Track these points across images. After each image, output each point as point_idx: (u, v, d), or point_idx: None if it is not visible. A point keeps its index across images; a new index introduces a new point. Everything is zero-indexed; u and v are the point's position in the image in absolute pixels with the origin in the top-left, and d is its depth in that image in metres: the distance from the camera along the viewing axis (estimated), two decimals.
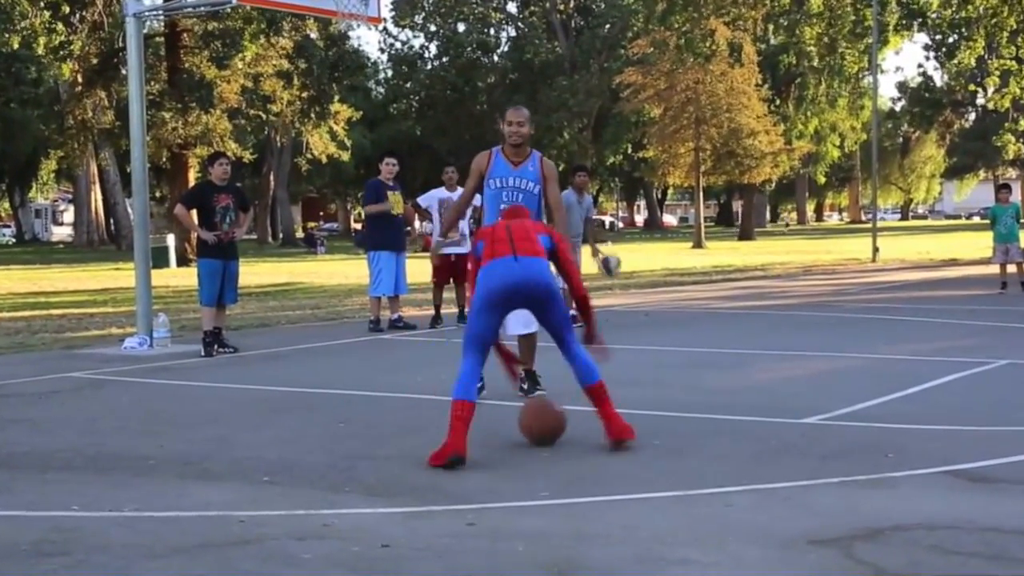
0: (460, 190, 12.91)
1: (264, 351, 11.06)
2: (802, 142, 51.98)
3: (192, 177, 33.28)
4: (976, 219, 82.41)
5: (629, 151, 59.58)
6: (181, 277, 23.55)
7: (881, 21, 41.91)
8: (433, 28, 62.02)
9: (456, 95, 59.35)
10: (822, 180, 77.74)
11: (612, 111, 52.63)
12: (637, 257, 30.64)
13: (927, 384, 8.25)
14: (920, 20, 50.10)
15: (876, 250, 28.53)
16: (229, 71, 33.51)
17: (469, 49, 60.83)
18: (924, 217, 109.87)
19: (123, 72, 29.79)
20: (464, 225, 12.86)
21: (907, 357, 9.91)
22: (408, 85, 62.44)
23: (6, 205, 75.84)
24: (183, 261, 29.66)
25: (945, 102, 64.57)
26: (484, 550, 4.35)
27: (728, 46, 40.82)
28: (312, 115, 37.33)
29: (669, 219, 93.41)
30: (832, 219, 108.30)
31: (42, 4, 30.26)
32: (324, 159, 43.07)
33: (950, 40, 53.16)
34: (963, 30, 46.58)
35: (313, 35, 36.03)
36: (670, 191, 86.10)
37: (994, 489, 5.23)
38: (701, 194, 45.83)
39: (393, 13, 59.45)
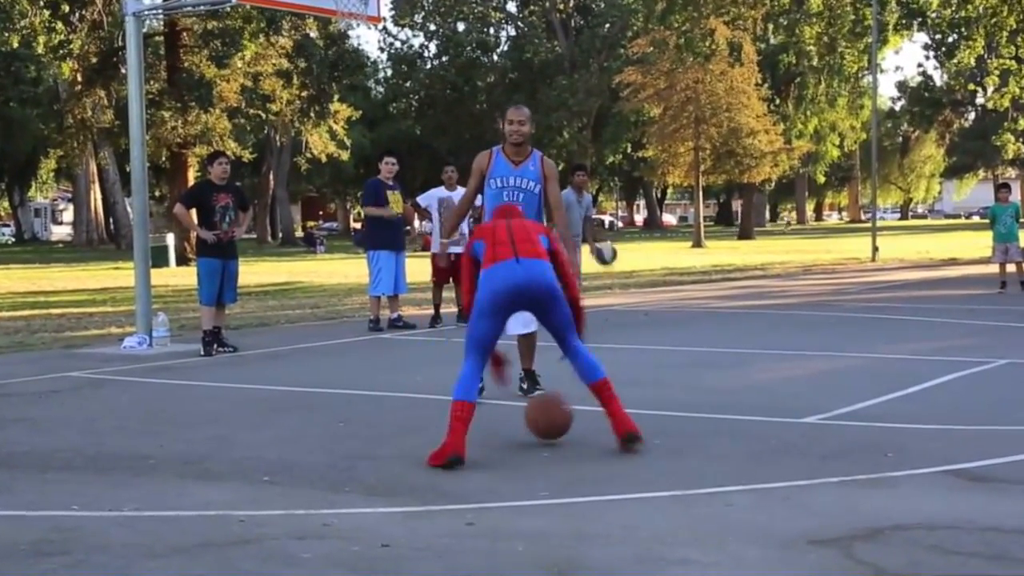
0: (460, 189, 12.96)
1: (264, 350, 11.06)
2: (802, 141, 51.98)
3: (191, 176, 33.27)
4: (976, 218, 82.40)
5: (629, 150, 59.60)
6: (180, 276, 23.55)
7: (881, 20, 41.97)
8: (433, 27, 61.99)
9: (456, 94, 59.35)
10: (822, 179, 77.73)
11: (612, 110, 52.63)
12: (637, 256, 30.65)
13: (927, 383, 8.25)
14: (920, 19, 50.18)
15: (876, 249, 28.54)
16: (229, 70, 33.49)
17: (469, 48, 60.82)
18: (924, 217, 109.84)
19: (122, 71, 29.71)
20: (464, 224, 12.83)
21: (907, 356, 9.91)
22: (408, 84, 62.43)
23: (5, 204, 75.83)
24: (182, 260, 29.66)
25: (945, 101, 64.63)
26: (484, 550, 4.35)
27: (728, 45, 40.84)
28: (312, 114, 37.32)
29: (669, 218, 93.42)
30: (831, 218, 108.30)
31: (42, 3, 30.27)
32: (324, 158, 43.06)
33: (950, 40, 53.25)
34: (963, 30, 46.63)
35: (313, 34, 36.01)
36: (670, 190, 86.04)
37: (994, 489, 5.23)
38: (701, 193, 45.83)
39: (393, 12, 59.42)
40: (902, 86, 77.24)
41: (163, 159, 34.61)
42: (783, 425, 6.73)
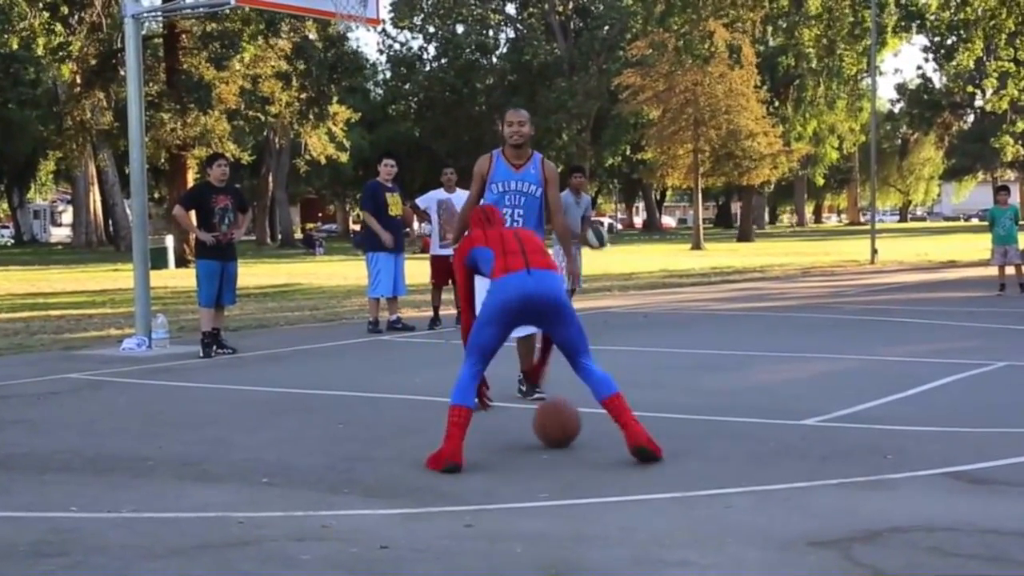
0: (459, 191, 12.98)
1: (263, 352, 11.06)
2: (801, 144, 52.01)
3: (191, 178, 33.25)
4: (975, 221, 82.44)
5: (628, 153, 59.64)
6: (180, 278, 23.55)
7: (880, 23, 41.99)
8: (432, 29, 62.03)
9: (455, 96, 59.36)
10: (821, 182, 77.78)
11: (611, 113, 52.65)
12: (636, 258, 30.65)
13: (926, 386, 8.25)
14: (919, 22, 50.20)
15: (875, 252, 28.54)
16: (228, 72, 33.50)
17: (468, 50, 60.85)
18: (923, 219, 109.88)
19: (122, 73, 29.76)
20: None
21: (906, 359, 9.91)
22: (407, 86, 62.45)
23: (5, 206, 75.79)
24: (182, 262, 29.66)
25: (944, 104, 64.68)
26: (483, 552, 4.35)
27: (727, 48, 40.84)
28: (311, 116, 37.31)
29: (668, 221, 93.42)
30: (831, 221, 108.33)
31: (41, 5, 30.27)
32: (323, 160, 43.04)
33: (949, 42, 53.25)
34: (961, 32, 46.60)
35: (312, 36, 35.99)
36: (669, 193, 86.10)
37: (993, 491, 5.23)
38: (700, 196, 45.85)
39: (392, 14, 59.43)
40: (901, 88, 77.36)
41: (162, 161, 34.60)
42: (782, 427, 6.73)
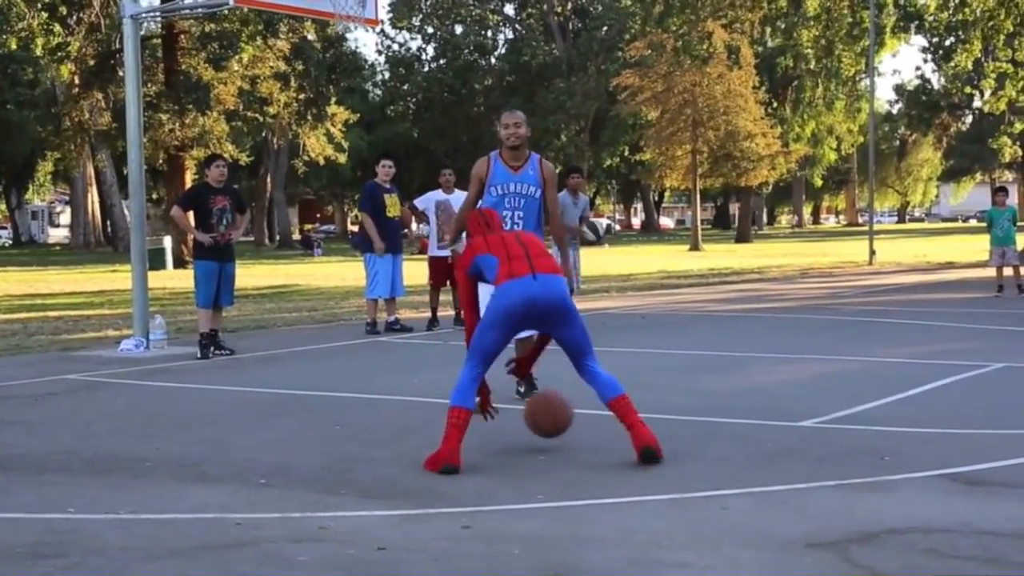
0: (457, 192, 12.98)
1: (261, 353, 11.06)
2: (799, 145, 52.02)
3: (189, 179, 33.23)
4: (973, 222, 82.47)
5: (626, 153, 59.66)
6: (178, 279, 23.53)
7: (878, 24, 41.99)
8: (430, 30, 62.05)
9: (453, 97, 59.38)
10: (819, 183, 77.86)
11: (609, 113, 52.66)
12: (634, 259, 30.65)
13: (924, 387, 8.25)
14: (917, 23, 50.18)
15: (873, 253, 28.54)
16: (226, 73, 33.48)
17: (466, 51, 60.88)
18: (921, 220, 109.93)
19: (120, 74, 29.72)
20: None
21: (904, 360, 9.91)
22: (405, 87, 62.46)
23: (3, 207, 75.70)
24: (180, 263, 29.64)
25: (942, 105, 64.70)
26: (480, 553, 4.35)
27: (725, 48, 40.83)
28: (309, 117, 37.30)
29: (666, 221, 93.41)
30: (829, 222, 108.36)
31: (39, 5, 30.24)
32: (321, 161, 43.03)
33: (947, 43, 53.26)
34: (960, 33, 46.56)
35: (310, 37, 35.99)
36: (667, 193, 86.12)
37: (990, 492, 5.23)
38: (698, 196, 45.85)
39: (390, 15, 59.46)
40: (899, 89, 77.48)
41: (160, 162, 34.57)
42: (780, 428, 6.74)
